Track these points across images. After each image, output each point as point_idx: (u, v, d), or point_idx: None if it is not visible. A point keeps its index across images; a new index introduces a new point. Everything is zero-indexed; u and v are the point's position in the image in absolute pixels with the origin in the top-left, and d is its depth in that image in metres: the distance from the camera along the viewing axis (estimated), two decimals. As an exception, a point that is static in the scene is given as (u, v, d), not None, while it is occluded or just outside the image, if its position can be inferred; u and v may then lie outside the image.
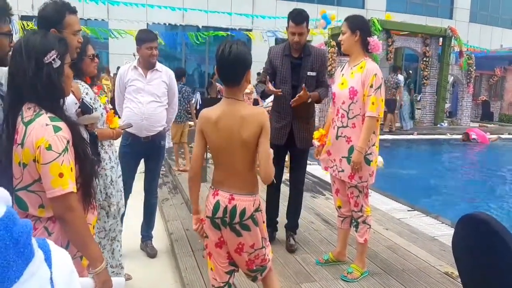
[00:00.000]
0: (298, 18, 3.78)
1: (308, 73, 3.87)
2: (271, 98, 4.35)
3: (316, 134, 3.81)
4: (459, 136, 13.16)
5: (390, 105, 13.38)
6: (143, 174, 4.29)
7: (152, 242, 4.35)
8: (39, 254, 0.72)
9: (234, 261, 2.47)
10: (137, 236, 4.36)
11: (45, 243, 0.79)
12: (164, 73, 4.06)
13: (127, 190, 4.00)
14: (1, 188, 0.71)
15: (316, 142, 3.77)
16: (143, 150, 4.05)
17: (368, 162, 3.37)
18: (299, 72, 3.87)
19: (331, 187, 3.84)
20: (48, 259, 0.76)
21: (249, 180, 2.34)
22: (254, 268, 2.45)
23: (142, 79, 3.96)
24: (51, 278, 0.74)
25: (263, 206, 2.45)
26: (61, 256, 0.81)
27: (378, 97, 3.29)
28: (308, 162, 4.34)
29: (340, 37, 3.47)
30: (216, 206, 2.32)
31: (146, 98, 3.94)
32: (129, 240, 4.20)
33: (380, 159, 9.09)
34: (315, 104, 4.11)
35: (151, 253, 4.24)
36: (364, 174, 3.38)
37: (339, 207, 3.70)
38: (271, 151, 2.33)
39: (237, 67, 2.26)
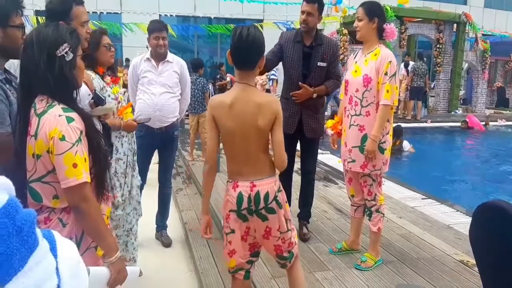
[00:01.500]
0: None
1: (319, 63, 3.80)
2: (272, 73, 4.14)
3: (329, 123, 3.79)
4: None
5: (419, 93, 13.39)
6: (157, 165, 4.31)
7: (167, 231, 4.39)
8: (44, 243, 0.72)
9: (256, 251, 2.46)
10: (152, 226, 4.41)
11: (50, 234, 0.79)
12: (175, 64, 4.07)
13: (141, 180, 4.03)
14: (3, 176, 0.71)
15: (329, 131, 3.74)
16: (156, 141, 4.08)
17: (382, 150, 3.34)
18: (310, 61, 3.81)
19: (343, 176, 3.82)
20: (53, 250, 0.75)
21: (265, 163, 2.33)
22: (284, 254, 2.44)
23: (154, 70, 3.98)
24: (57, 268, 0.74)
25: None
26: (67, 247, 0.81)
27: (392, 85, 3.25)
28: (320, 151, 4.32)
29: (356, 23, 3.39)
30: (240, 198, 2.30)
31: (158, 89, 3.97)
32: (144, 230, 4.24)
33: (408, 144, 9.11)
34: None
35: (166, 243, 4.29)
36: (378, 162, 3.35)
37: (352, 196, 3.68)
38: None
39: (254, 50, 2.27)
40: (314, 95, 3.79)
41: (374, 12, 3.33)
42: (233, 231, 2.38)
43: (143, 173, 4.08)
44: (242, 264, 2.44)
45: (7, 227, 0.65)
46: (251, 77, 2.32)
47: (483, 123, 12.72)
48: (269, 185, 2.31)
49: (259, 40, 2.26)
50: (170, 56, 4.07)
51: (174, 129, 4.15)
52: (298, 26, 4.03)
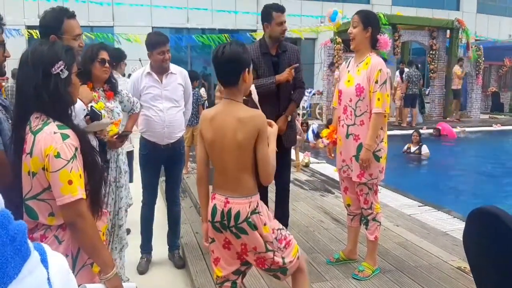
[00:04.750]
0: (282, 7, 3.75)
1: (287, 70, 3.76)
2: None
3: (324, 132, 3.80)
4: (470, 129, 13.05)
5: (414, 99, 13.39)
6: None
7: (179, 251, 4.22)
8: (35, 254, 0.75)
9: (245, 261, 2.44)
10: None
11: (40, 246, 0.81)
12: (179, 75, 3.90)
13: (151, 199, 3.98)
14: None
15: (325, 140, 3.75)
16: (163, 158, 3.92)
17: (377, 158, 3.36)
18: (279, 69, 3.76)
19: (340, 185, 3.82)
20: (44, 261, 0.78)
21: (243, 182, 2.30)
22: (266, 268, 2.40)
23: (158, 85, 3.79)
24: (48, 279, 0.76)
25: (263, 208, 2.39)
26: (57, 258, 0.84)
27: (383, 93, 3.27)
28: (316, 160, 4.31)
29: (350, 30, 3.41)
30: (214, 210, 2.32)
31: (165, 105, 3.79)
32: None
33: (426, 149, 9.15)
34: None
35: (178, 264, 4.08)
36: (374, 171, 3.37)
37: (348, 205, 3.69)
38: (273, 153, 2.33)
39: (230, 66, 2.26)
40: (289, 118, 3.78)
41: (369, 21, 3.37)
42: (213, 240, 2.42)
43: (153, 192, 4.01)
44: (228, 274, 2.43)
45: (1, 236, 0.67)
46: (236, 93, 2.30)
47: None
48: (242, 205, 2.27)
49: (236, 55, 2.23)
50: (172, 67, 3.87)
51: (180, 145, 4.02)
52: (293, 31, 4.02)
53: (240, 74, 2.26)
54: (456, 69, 14.75)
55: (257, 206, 2.32)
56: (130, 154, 4.67)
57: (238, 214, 2.27)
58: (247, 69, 2.29)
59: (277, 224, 2.44)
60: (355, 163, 3.40)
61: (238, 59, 2.24)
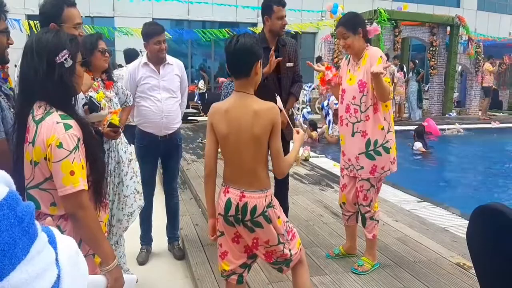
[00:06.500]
0: (283, 1, 3.71)
1: (287, 64, 3.77)
2: None
3: (319, 76, 3.75)
4: (468, 126, 13.04)
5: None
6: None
7: (179, 243, 4.24)
8: (43, 235, 0.75)
9: (252, 254, 2.45)
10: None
11: (48, 228, 0.82)
12: (175, 66, 3.90)
13: (149, 191, 3.96)
14: (2, 171, 0.73)
15: (329, 74, 3.64)
16: (160, 150, 3.92)
17: (387, 150, 3.34)
18: (279, 64, 3.71)
19: (339, 180, 3.81)
20: (52, 242, 0.78)
21: (259, 176, 2.30)
22: (273, 261, 2.42)
23: (155, 75, 3.79)
24: (57, 260, 0.76)
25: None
26: (65, 239, 0.84)
27: (389, 77, 3.26)
28: (315, 154, 4.30)
29: (343, 42, 3.34)
30: (228, 203, 2.30)
31: (163, 95, 3.80)
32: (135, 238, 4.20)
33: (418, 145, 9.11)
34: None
35: (178, 255, 4.12)
36: (386, 164, 3.35)
37: (343, 203, 3.65)
38: (293, 159, 2.39)
39: (243, 57, 2.24)
40: (290, 112, 3.79)
41: (355, 24, 3.32)
42: (222, 234, 2.42)
43: (151, 184, 4.00)
44: (235, 268, 2.44)
45: (9, 218, 0.67)
46: (247, 85, 2.29)
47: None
48: (259, 199, 2.28)
49: (249, 46, 2.22)
50: (169, 58, 3.86)
51: (178, 136, 4.02)
52: (295, 26, 4.00)
53: (253, 66, 2.25)
54: (487, 66, 14.75)
55: (271, 200, 2.33)
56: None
57: (254, 208, 2.26)
58: (259, 61, 2.28)
59: (285, 217, 2.47)
60: (363, 160, 3.37)
61: (250, 50, 2.23)
